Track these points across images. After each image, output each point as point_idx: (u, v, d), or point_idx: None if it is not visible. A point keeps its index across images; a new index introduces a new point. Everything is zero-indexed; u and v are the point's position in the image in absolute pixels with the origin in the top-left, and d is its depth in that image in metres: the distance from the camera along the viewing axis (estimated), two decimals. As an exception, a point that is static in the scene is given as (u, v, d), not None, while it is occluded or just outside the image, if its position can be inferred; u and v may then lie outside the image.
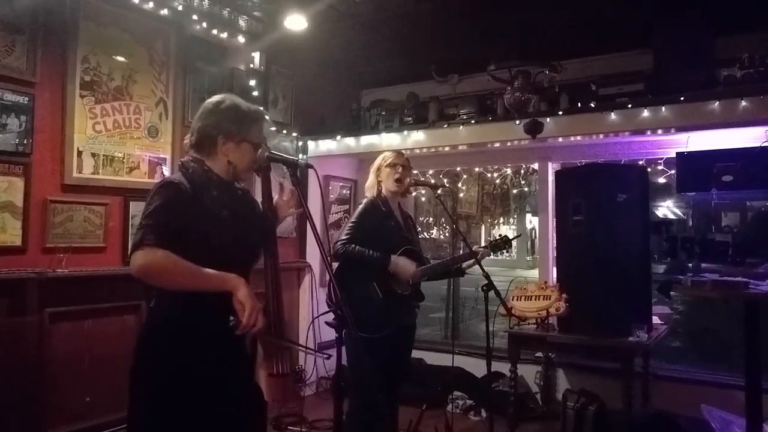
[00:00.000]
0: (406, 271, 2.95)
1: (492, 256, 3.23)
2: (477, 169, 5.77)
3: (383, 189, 3.09)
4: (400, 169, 3.08)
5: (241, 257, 1.86)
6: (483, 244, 3.20)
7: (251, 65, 4.62)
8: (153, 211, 1.68)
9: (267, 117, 1.97)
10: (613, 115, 3.86)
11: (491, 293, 2.78)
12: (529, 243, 21.96)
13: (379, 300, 2.90)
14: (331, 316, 1.87)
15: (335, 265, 2.97)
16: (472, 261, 3.01)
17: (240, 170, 1.90)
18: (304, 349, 2.07)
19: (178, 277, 1.65)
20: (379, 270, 2.93)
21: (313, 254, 5.07)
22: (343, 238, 2.93)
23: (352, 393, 2.83)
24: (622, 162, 4.33)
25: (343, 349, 1.84)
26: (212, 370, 1.74)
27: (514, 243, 3.36)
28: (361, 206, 3.06)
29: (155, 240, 1.62)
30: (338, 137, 5.01)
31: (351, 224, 2.98)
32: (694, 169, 3.62)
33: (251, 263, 1.93)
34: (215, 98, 1.92)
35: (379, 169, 3.11)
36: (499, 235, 3.14)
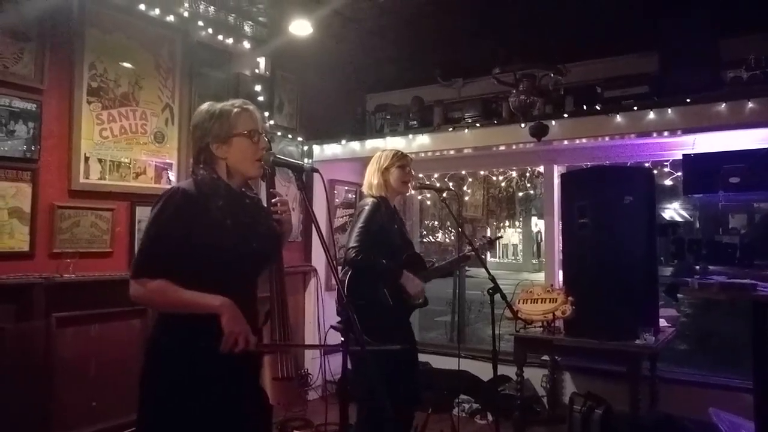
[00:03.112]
0: (413, 288, 2.96)
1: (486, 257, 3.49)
2: (482, 173, 5.78)
3: (388, 189, 3.07)
4: (408, 171, 3.11)
5: (244, 265, 1.86)
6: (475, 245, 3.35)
7: (256, 70, 4.64)
8: (151, 237, 1.75)
9: (251, 107, 1.92)
10: (618, 118, 3.85)
11: (497, 296, 2.78)
12: (534, 246, 21.91)
13: (390, 307, 2.90)
14: (337, 320, 1.87)
15: (341, 270, 2.99)
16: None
17: (243, 168, 1.88)
18: (314, 346, 2.04)
19: (165, 307, 1.77)
20: (391, 279, 2.93)
21: (318, 258, 5.09)
22: (354, 245, 2.87)
23: (360, 399, 2.83)
24: (628, 164, 4.32)
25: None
26: (218, 373, 1.75)
27: (500, 243, 3.71)
28: (367, 209, 2.98)
29: (147, 272, 1.72)
30: (343, 141, 5.02)
31: (359, 229, 2.92)
32: (700, 171, 3.61)
33: (256, 270, 1.93)
34: (196, 112, 1.94)
35: (387, 169, 3.07)
36: (483, 236, 3.26)
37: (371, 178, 3.09)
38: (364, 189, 3.16)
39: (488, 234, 3.44)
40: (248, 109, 1.90)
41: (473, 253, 3.18)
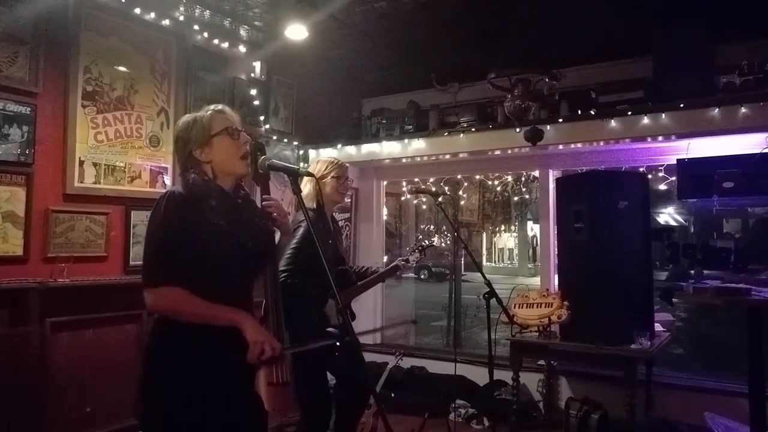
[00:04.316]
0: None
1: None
2: (478, 177, 5.78)
3: (323, 198, 2.93)
4: (344, 181, 3.04)
5: (240, 265, 1.86)
6: (405, 256, 3.35)
7: (252, 75, 4.64)
8: (159, 243, 1.75)
9: (226, 108, 1.96)
10: (613, 123, 3.87)
11: (493, 301, 2.78)
12: (530, 250, 21.94)
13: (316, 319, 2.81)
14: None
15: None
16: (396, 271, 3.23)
17: (230, 167, 1.90)
18: (316, 345, 2.00)
19: (185, 317, 1.75)
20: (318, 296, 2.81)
21: (314, 263, 5.06)
22: (284, 267, 2.64)
23: (308, 406, 2.74)
24: (623, 169, 4.33)
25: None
26: (214, 379, 1.74)
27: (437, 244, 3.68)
28: (303, 228, 2.74)
29: (160, 279, 1.72)
30: (339, 146, 5.02)
31: (293, 250, 2.69)
32: (694, 176, 3.62)
33: (253, 270, 1.93)
34: (174, 127, 2.02)
35: (321, 179, 2.96)
36: (416, 244, 3.34)
37: (304, 187, 2.90)
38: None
39: (428, 241, 3.56)
40: (222, 111, 1.95)
41: (403, 263, 3.20)
